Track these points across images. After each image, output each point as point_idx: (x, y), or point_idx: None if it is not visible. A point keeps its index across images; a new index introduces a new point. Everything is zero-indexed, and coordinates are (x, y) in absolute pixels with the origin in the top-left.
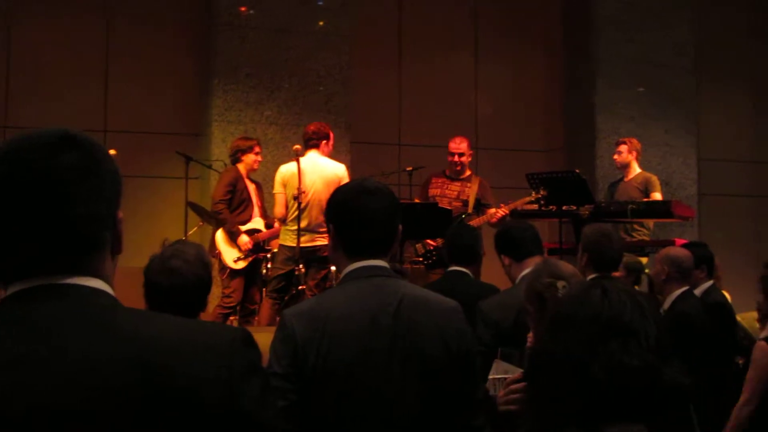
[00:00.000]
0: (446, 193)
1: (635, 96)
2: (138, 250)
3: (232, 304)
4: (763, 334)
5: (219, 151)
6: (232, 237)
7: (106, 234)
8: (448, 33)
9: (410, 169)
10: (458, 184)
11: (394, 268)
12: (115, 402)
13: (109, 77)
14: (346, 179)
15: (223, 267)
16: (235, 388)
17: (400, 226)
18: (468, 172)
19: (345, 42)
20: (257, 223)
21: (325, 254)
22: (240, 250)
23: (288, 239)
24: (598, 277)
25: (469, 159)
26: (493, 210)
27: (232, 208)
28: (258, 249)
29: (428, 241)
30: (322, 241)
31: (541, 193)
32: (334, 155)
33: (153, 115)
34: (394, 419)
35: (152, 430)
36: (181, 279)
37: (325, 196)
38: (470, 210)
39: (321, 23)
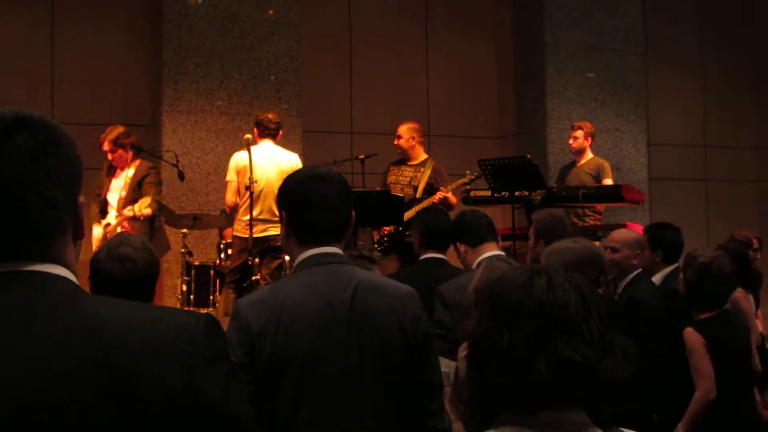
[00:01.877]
0: (400, 180)
1: (585, 81)
2: (87, 244)
3: None
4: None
5: (170, 141)
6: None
7: (66, 219)
8: (398, 20)
9: (362, 156)
10: (411, 170)
11: (363, 254)
12: (73, 394)
13: (55, 69)
14: None
15: None
16: (198, 376)
17: (353, 213)
18: (423, 157)
19: (295, 30)
20: (110, 218)
21: (278, 244)
22: None
23: (241, 230)
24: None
25: (412, 143)
26: (437, 194)
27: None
28: None
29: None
30: (276, 230)
31: (476, 174)
32: (286, 144)
33: (102, 107)
34: (352, 405)
35: (114, 422)
36: (132, 265)
37: (278, 185)
38: (419, 195)
39: (270, 12)
